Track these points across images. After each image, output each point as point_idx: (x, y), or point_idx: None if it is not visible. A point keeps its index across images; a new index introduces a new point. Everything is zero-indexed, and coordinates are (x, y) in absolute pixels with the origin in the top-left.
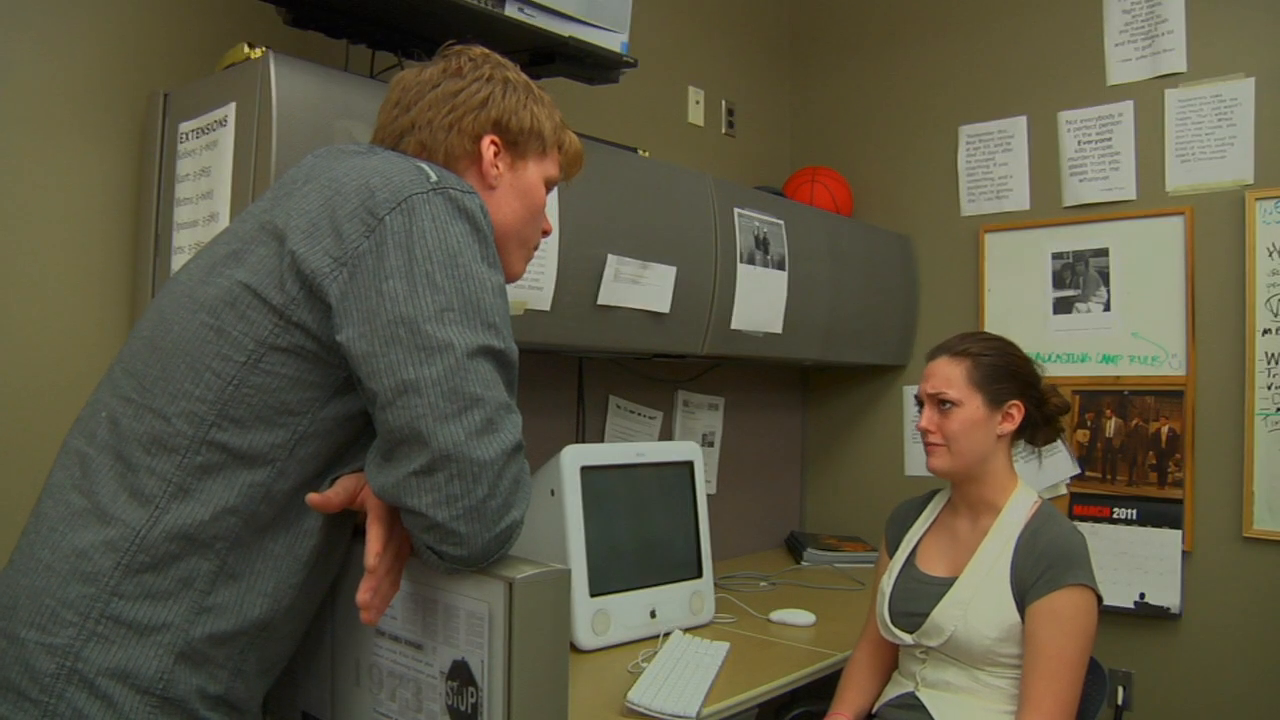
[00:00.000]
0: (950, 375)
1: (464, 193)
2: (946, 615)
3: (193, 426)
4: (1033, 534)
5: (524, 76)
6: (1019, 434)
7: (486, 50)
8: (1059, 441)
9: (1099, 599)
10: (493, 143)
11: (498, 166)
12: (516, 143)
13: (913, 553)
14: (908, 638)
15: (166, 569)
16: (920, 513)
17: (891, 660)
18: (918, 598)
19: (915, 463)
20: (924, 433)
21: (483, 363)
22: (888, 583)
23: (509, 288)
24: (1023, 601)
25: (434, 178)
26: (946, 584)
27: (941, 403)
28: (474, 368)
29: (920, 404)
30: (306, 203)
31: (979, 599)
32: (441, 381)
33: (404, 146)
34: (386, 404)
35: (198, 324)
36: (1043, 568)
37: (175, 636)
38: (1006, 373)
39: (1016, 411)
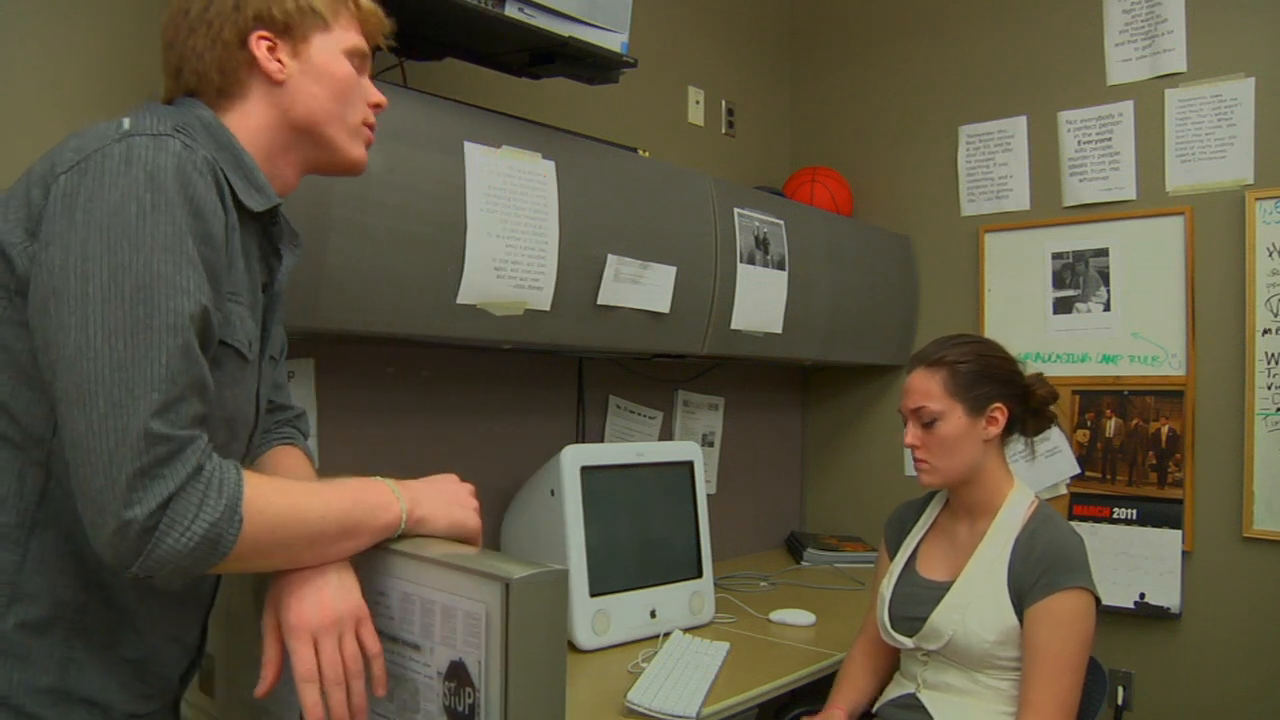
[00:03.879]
0: (928, 387)
1: (154, 136)
2: (945, 619)
3: None
4: (1030, 536)
5: None
6: (1009, 432)
7: None
8: (1059, 438)
9: (1097, 601)
10: (261, 38)
11: (279, 60)
12: (289, 27)
13: (912, 556)
14: (908, 642)
15: None
16: (919, 515)
17: (888, 659)
18: (917, 602)
19: None
20: (911, 448)
21: (124, 339)
22: (887, 587)
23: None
24: (1021, 604)
25: (125, 127)
26: (945, 588)
27: (923, 417)
28: (110, 345)
29: (905, 418)
30: (19, 179)
31: (977, 603)
32: (74, 364)
33: (185, 82)
34: (49, 384)
35: None
36: (1040, 570)
37: None
38: (984, 376)
39: (1000, 414)
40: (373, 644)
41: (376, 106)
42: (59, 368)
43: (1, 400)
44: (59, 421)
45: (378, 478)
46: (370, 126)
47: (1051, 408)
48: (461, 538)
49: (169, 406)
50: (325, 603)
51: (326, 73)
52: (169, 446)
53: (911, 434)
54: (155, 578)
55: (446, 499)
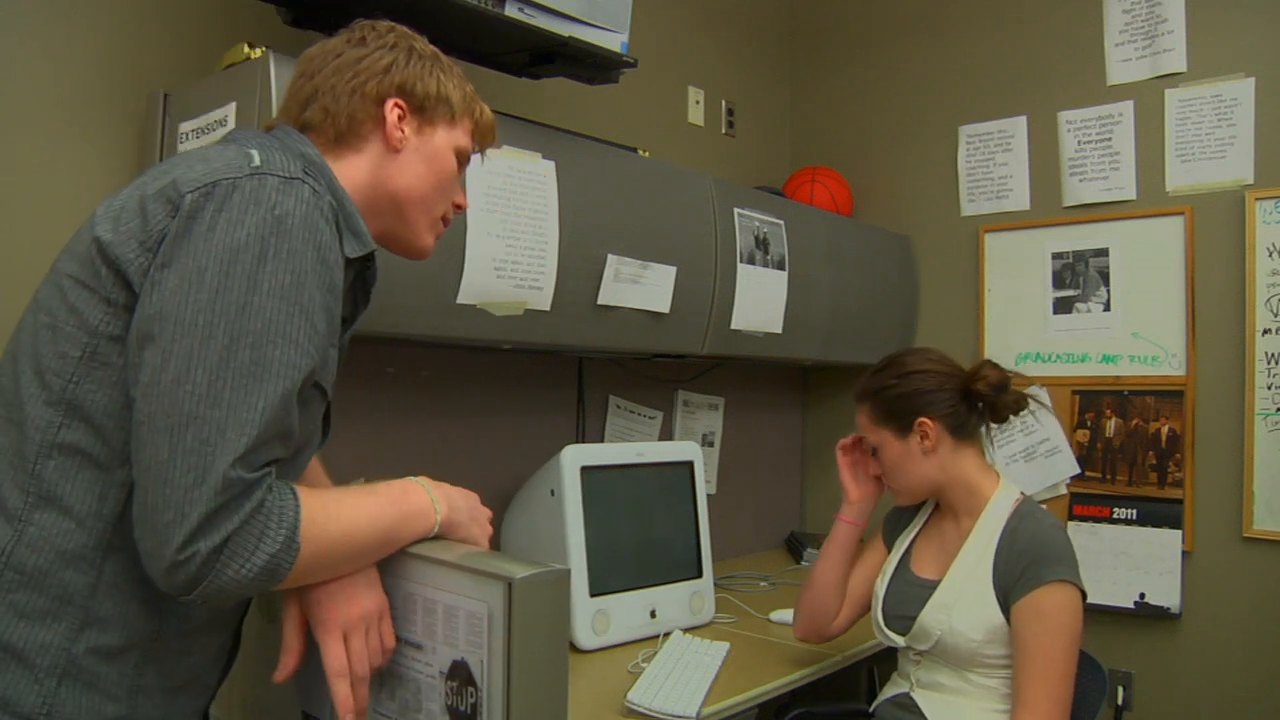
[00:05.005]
0: (861, 422)
1: (285, 179)
2: (933, 619)
3: (41, 432)
4: (1012, 533)
5: (432, 47)
6: (961, 434)
7: (394, 23)
8: (1059, 438)
9: (1083, 594)
10: (396, 105)
11: (403, 130)
12: (423, 108)
13: (906, 553)
14: (900, 640)
15: (40, 586)
16: (915, 512)
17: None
18: (908, 600)
19: None
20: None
21: (224, 378)
22: (881, 584)
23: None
24: (1006, 601)
25: (256, 162)
26: (933, 586)
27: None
28: (209, 381)
29: None
30: (123, 191)
31: (962, 603)
32: (169, 392)
33: (308, 115)
34: (133, 401)
35: (37, 325)
36: (1023, 566)
37: (56, 658)
38: (903, 396)
39: (928, 427)
40: (390, 639)
41: (458, 208)
42: (151, 391)
43: (95, 419)
44: (135, 443)
45: (411, 479)
46: (446, 222)
47: (1010, 390)
48: None
49: (252, 451)
50: (355, 600)
51: (437, 160)
52: (241, 487)
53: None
54: (208, 603)
55: (471, 514)
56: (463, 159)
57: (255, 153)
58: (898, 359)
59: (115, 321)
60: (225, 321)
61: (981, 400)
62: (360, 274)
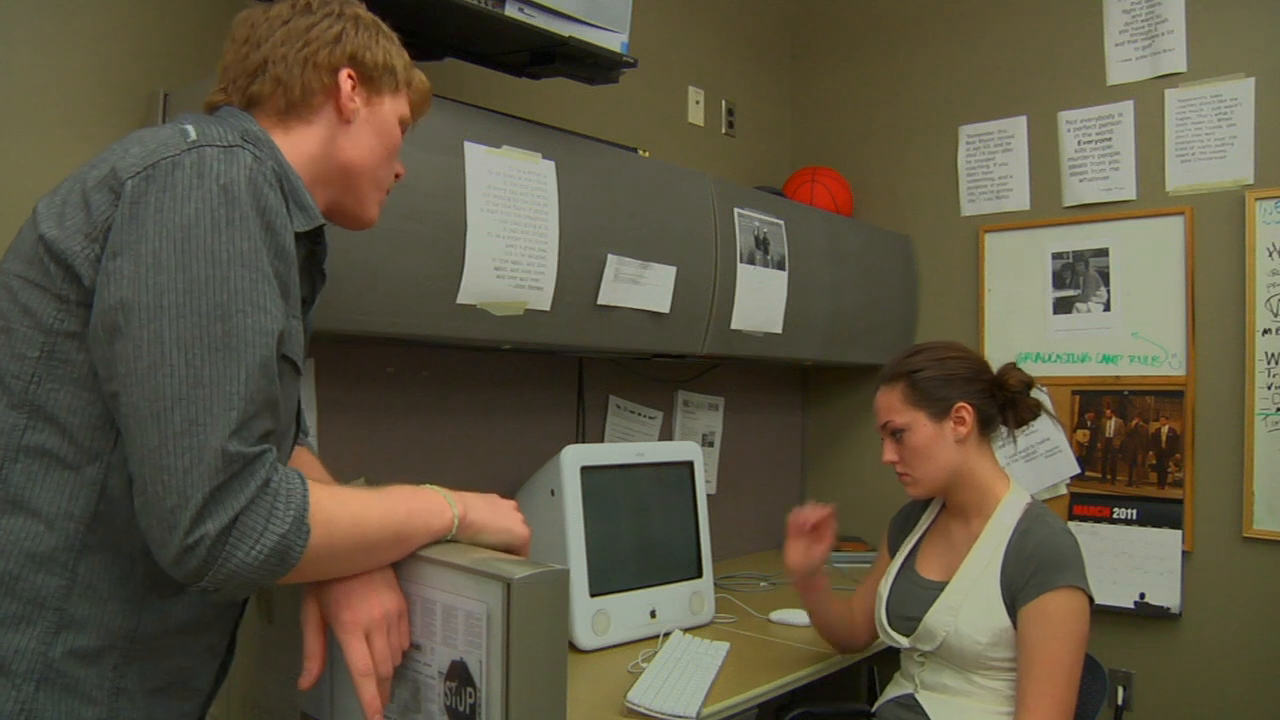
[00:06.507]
0: (890, 403)
1: (225, 148)
2: (938, 620)
3: (5, 436)
4: (1021, 536)
5: (371, 14)
6: (988, 429)
7: None
8: (1059, 438)
9: (1091, 600)
10: (350, 76)
11: (355, 100)
12: (372, 77)
13: (911, 554)
14: (904, 641)
15: (11, 591)
16: (921, 514)
17: (861, 631)
18: (913, 601)
19: None
20: (891, 464)
21: (201, 355)
22: (885, 585)
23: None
24: (1013, 605)
25: (193, 136)
26: (940, 588)
27: (893, 432)
28: (187, 361)
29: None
30: (63, 184)
31: (969, 604)
32: (147, 378)
33: (257, 86)
34: (113, 396)
35: None
36: (1031, 570)
37: (32, 662)
38: (942, 380)
39: (966, 413)
40: (408, 640)
41: (397, 177)
42: (129, 381)
43: (58, 417)
44: (126, 436)
45: (428, 486)
46: (387, 193)
47: (1034, 394)
48: (511, 545)
49: (244, 425)
50: (376, 599)
51: (385, 129)
52: (242, 463)
53: (888, 451)
54: (222, 591)
55: (495, 509)
56: (404, 128)
57: (190, 128)
58: (931, 345)
59: (70, 318)
60: (190, 299)
61: (1008, 398)
62: (311, 250)
